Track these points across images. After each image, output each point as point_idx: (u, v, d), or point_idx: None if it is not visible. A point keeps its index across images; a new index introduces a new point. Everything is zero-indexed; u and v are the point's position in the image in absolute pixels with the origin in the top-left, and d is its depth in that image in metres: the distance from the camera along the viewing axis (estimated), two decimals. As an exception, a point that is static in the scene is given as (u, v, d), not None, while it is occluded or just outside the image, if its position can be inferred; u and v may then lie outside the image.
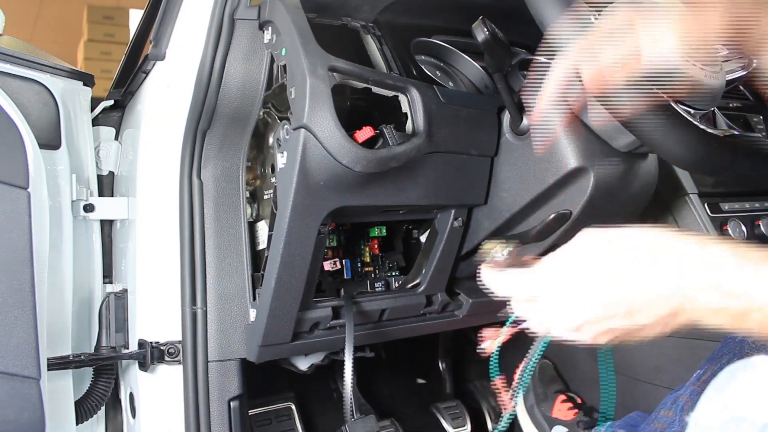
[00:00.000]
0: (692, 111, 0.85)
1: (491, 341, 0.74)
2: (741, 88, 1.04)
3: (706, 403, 0.60)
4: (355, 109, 0.91)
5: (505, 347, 0.74)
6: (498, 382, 0.77)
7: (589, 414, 1.36)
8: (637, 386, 1.31)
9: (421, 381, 1.64)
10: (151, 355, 0.98)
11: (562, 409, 1.39)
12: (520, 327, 0.69)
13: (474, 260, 1.09)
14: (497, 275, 0.68)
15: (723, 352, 0.97)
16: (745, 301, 0.56)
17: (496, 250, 0.67)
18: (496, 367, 0.76)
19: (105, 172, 1.18)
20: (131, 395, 1.09)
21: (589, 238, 0.63)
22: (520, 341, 0.73)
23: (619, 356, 1.34)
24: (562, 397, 1.41)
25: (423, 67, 1.02)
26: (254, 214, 1.00)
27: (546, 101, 0.73)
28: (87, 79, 1.15)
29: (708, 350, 0.99)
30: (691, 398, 0.97)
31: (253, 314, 0.96)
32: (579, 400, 1.43)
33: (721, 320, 0.57)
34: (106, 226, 1.17)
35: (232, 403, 0.98)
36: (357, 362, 0.95)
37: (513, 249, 0.67)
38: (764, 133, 1.22)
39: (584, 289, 0.61)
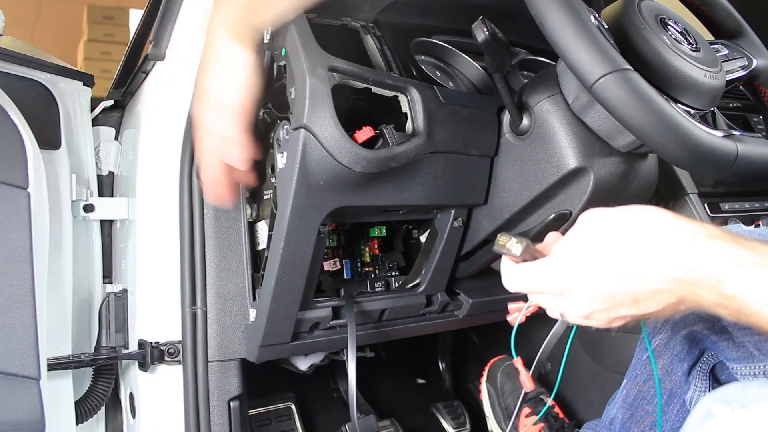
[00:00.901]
0: (692, 111, 0.85)
1: (517, 314, 0.75)
2: (741, 88, 1.04)
3: None
4: (355, 109, 0.91)
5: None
6: (515, 362, 0.77)
7: (553, 428, 1.26)
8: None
9: (421, 381, 1.64)
10: (151, 355, 0.98)
11: (527, 425, 1.28)
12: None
13: (481, 255, 1.09)
14: (510, 272, 0.69)
15: (636, 372, 0.99)
16: (740, 305, 0.57)
17: (511, 245, 0.67)
18: (514, 346, 0.76)
19: (105, 172, 1.18)
20: (131, 395, 1.09)
21: (592, 225, 0.64)
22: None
23: (620, 355, 1.34)
24: (527, 410, 1.30)
25: (423, 67, 1.02)
26: (254, 214, 1.00)
27: None
28: (87, 79, 1.15)
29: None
30: (623, 423, 0.99)
31: (253, 314, 0.95)
32: (551, 403, 1.31)
33: (721, 313, 0.58)
34: (106, 226, 1.17)
35: (232, 403, 0.98)
36: (357, 362, 0.95)
37: (527, 244, 0.66)
38: (764, 133, 1.22)
39: (588, 282, 0.62)
